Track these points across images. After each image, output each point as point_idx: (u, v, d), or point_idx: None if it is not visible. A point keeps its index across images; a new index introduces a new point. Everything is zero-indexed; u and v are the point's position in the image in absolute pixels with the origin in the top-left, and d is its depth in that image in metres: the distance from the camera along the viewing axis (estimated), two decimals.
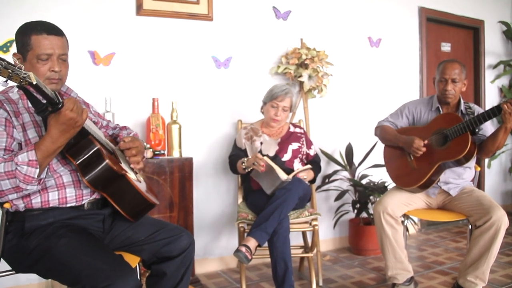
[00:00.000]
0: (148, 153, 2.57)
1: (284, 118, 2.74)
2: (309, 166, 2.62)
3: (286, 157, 2.68)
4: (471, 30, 4.54)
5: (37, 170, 1.38)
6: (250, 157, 2.58)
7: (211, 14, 3.04)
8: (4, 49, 2.50)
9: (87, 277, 1.34)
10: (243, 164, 2.55)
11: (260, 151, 2.67)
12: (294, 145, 2.73)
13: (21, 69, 1.20)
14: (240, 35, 3.20)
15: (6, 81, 1.20)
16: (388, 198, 2.52)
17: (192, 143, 3.00)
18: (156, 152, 2.64)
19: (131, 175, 1.65)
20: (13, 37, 2.44)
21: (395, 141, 2.60)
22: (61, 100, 1.36)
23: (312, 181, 2.72)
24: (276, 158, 2.64)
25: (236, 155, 2.74)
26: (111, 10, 2.77)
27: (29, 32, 1.53)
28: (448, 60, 2.58)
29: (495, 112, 2.28)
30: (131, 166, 1.71)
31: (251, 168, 2.51)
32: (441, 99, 2.56)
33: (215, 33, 3.10)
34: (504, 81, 4.71)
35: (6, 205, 1.52)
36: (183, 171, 2.66)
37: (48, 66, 1.54)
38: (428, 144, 2.47)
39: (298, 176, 2.50)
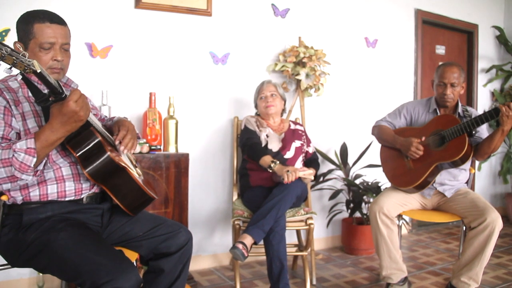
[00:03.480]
0: (145, 148, 2.54)
1: (278, 104, 2.77)
2: (311, 176, 2.58)
3: (289, 154, 2.67)
4: (465, 34, 4.58)
5: (34, 159, 1.34)
6: (279, 163, 2.49)
7: (210, 10, 3.02)
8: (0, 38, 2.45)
9: (88, 272, 1.32)
10: (273, 164, 2.47)
11: (266, 145, 2.66)
12: (297, 143, 2.74)
13: (25, 57, 1.17)
14: (238, 31, 3.18)
15: (10, 68, 1.17)
16: (384, 198, 2.53)
17: (188, 139, 2.98)
18: (152, 147, 2.61)
19: (131, 168, 1.62)
20: (9, 27, 2.45)
21: (393, 143, 2.60)
22: (63, 90, 1.33)
23: (313, 179, 2.73)
24: (278, 155, 2.63)
25: (255, 138, 2.66)
26: (110, 2, 2.73)
27: (31, 20, 1.49)
28: (447, 63, 2.59)
29: (493, 114, 2.30)
30: (127, 150, 1.65)
31: (279, 175, 2.45)
32: (440, 102, 2.58)
33: (213, 29, 3.07)
34: (496, 85, 4.77)
35: (3, 198, 1.49)
36: (179, 166, 2.63)
37: (50, 55, 1.51)
38: (425, 145, 2.48)
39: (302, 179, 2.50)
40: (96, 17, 2.69)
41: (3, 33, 2.45)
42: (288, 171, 2.41)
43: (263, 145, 2.66)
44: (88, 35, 2.67)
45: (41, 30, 1.49)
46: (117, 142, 1.62)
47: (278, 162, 2.49)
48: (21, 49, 1.48)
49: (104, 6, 2.71)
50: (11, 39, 2.41)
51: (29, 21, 1.50)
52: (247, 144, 2.65)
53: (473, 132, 2.38)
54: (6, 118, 1.44)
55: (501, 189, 4.85)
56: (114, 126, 1.71)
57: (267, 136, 2.70)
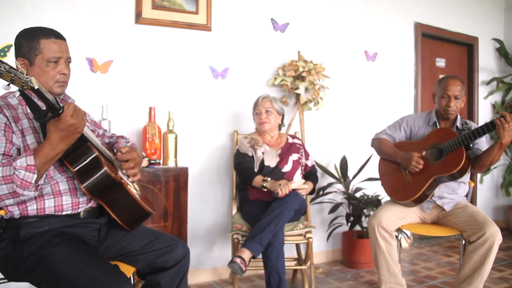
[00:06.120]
0: (144, 162, 2.56)
1: (273, 121, 2.78)
2: (304, 185, 2.63)
3: (287, 168, 2.69)
4: (465, 47, 4.60)
5: (35, 176, 1.37)
6: (270, 179, 2.54)
7: (209, 25, 3.06)
8: (2, 54, 2.49)
9: (83, 286, 1.33)
10: (265, 182, 2.53)
11: (262, 161, 2.67)
12: (294, 156, 2.75)
13: (23, 73, 1.20)
14: (238, 46, 3.21)
15: (8, 84, 1.20)
16: (382, 211, 2.52)
17: (187, 153, 2.99)
18: (152, 161, 2.63)
19: (128, 183, 1.64)
20: (11, 42, 2.48)
21: (393, 156, 2.61)
22: (61, 106, 1.36)
23: (311, 192, 2.74)
24: (276, 169, 2.64)
25: (247, 162, 2.69)
26: (110, 18, 2.77)
27: (37, 36, 1.54)
28: (450, 76, 2.61)
29: (490, 127, 2.30)
30: (129, 179, 1.70)
31: (273, 191, 2.50)
32: (442, 114, 2.59)
33: (213, 44, 3.11)
34: (497, 97, 4.78)
35: (1, 212, 1.51)
36: (178, 180, 2.64)
37: (57, 70, 1.57)
38: (423, 159, 2.48)
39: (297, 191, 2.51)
40: (97, 32, 2.73)
41: (6, 49, 2.50)
42: (280, 184, 2.45)
43: (258, 162, 2.67)
44: (89, 50, 2.71)
45: (48, 46, 1.54)
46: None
47: (269, 179, 2.53)
48: (19, 66, 1.52)
49: (105, 22, 2.76)
50: (13, 55, 2.45)
51: (34, 37, 1.54)
52: (238, 169, 2.73)
53: (471, 145, 2.39)
54: (7, 135, 1.46)
55: (504, 201, 4.83)
56: (124, 155, 1.68)
57: (262, 153, 2.71)
